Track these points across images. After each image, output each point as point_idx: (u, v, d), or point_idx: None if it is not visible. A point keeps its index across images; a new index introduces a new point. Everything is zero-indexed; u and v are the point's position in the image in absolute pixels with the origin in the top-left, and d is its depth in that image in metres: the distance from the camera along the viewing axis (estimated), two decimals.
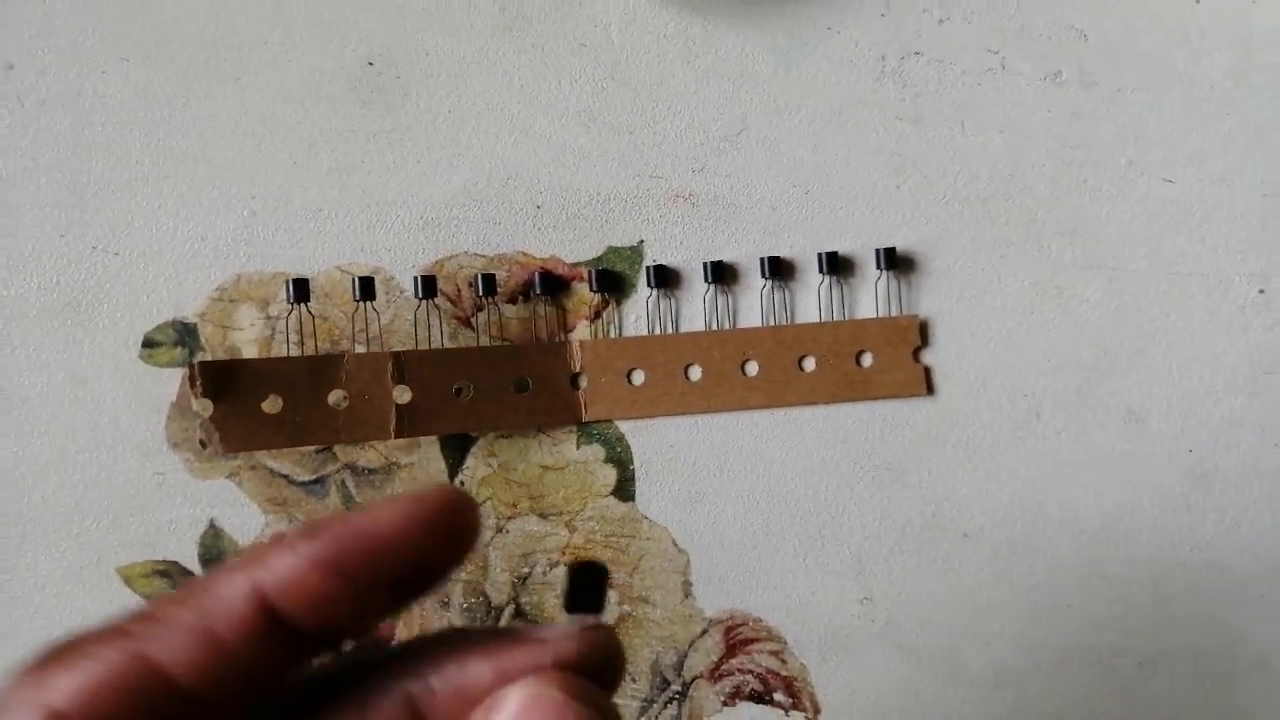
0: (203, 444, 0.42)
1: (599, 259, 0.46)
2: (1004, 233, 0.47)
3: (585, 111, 0.46)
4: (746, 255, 0.46)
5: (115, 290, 0.43)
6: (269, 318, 0.44)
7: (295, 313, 0.44)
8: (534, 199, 0.45)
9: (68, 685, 0.20)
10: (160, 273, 0.44)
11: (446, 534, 0.21)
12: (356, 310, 0.44)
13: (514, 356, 0.45)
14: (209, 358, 0.43)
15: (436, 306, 0.45)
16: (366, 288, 0.43)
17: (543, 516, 0.45)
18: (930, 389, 0.47)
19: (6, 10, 0.43)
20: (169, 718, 0.20)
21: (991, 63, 0.47)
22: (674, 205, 0.46)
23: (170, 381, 0.43)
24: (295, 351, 0.44)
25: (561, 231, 0.46)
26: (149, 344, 0.43)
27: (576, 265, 0.45)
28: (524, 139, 0.45)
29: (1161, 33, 0.48)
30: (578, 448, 0.45)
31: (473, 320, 0.45)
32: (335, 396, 0.43)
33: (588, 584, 0.22)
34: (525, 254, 0.45)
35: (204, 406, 0.42)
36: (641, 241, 0.46)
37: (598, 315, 0.46)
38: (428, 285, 0.44)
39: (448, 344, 0.45)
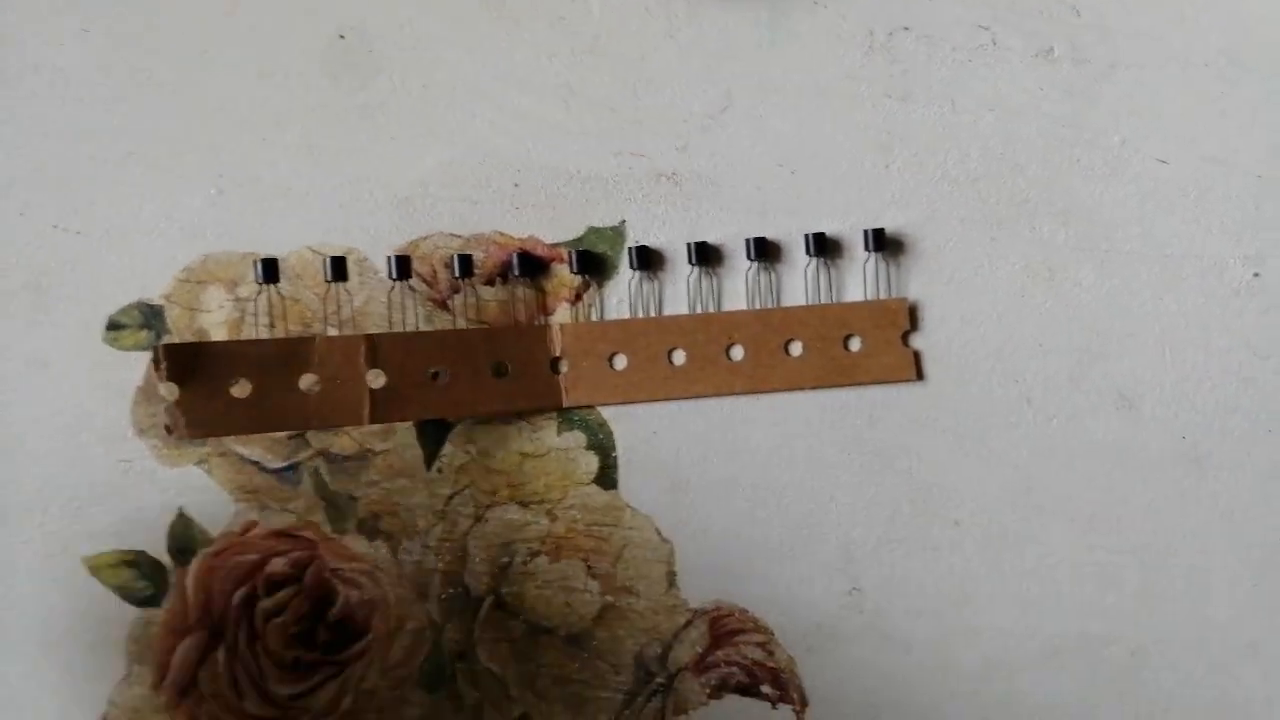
0: (168, 429, 0.41)
1: (579, 239, 0.44)
2: (995, 213, 0.46)
3: (564, 87, 0.45)
4: (731, 236, 0.45)
5: (78, 271, 0.42)
6: (238, 299, 0.42)
7: (265, 294, 0.42)
8: (512, 178, 0.44)
9: None
10: (125, 253, 0.42)
11: None
12: (328, 292, 0.43)
13: (492, 340, 0.43)
14: (175, 340, 0.42)
15: (412, 289, 0.43)
16: (338, 268, 0.42)
17: (523, 505, 0.44)
18: (920, 374, 0.46)
19: None
20: None
21: (982, 39, 0.46)
22: (657, 184, 0.45)
23: (136, 365, 0.42)
24: (265, 334, 0.42)
25: (540, 211, 0.44)
26: (113, 326, 0.42)
27: (556, 246, 0.44)
28: (501, 115, 0.44)
29: (1155, 9, 0.47)
30: (558, 434, 0.44)
31: (449, 303, 0.44)
32: (306, 381, 0.42)
33: None
34: (503, 234, 0.44)
35: (169, 390, 0.41)
36: (623, 221, 0.45)
37: (578, 298, 0.44)
38: (402, 266, 0.43)
39: (423, 327, 0.43)
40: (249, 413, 0.41)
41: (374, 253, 0.43)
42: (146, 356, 0.42)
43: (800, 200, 0.46)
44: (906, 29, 0.46)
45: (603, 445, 0.44)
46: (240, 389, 0.41)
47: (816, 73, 0.46)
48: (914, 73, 0.46)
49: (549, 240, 0.44)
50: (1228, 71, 0.47)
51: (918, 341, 0.46)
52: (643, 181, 0.45)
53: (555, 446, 0.44)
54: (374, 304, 0.43)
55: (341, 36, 0.44)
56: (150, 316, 0.42)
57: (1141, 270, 0.47)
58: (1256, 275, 0.47)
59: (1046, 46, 0.47)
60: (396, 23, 0.44)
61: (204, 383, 0.41)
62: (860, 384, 0.45)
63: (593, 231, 0.45)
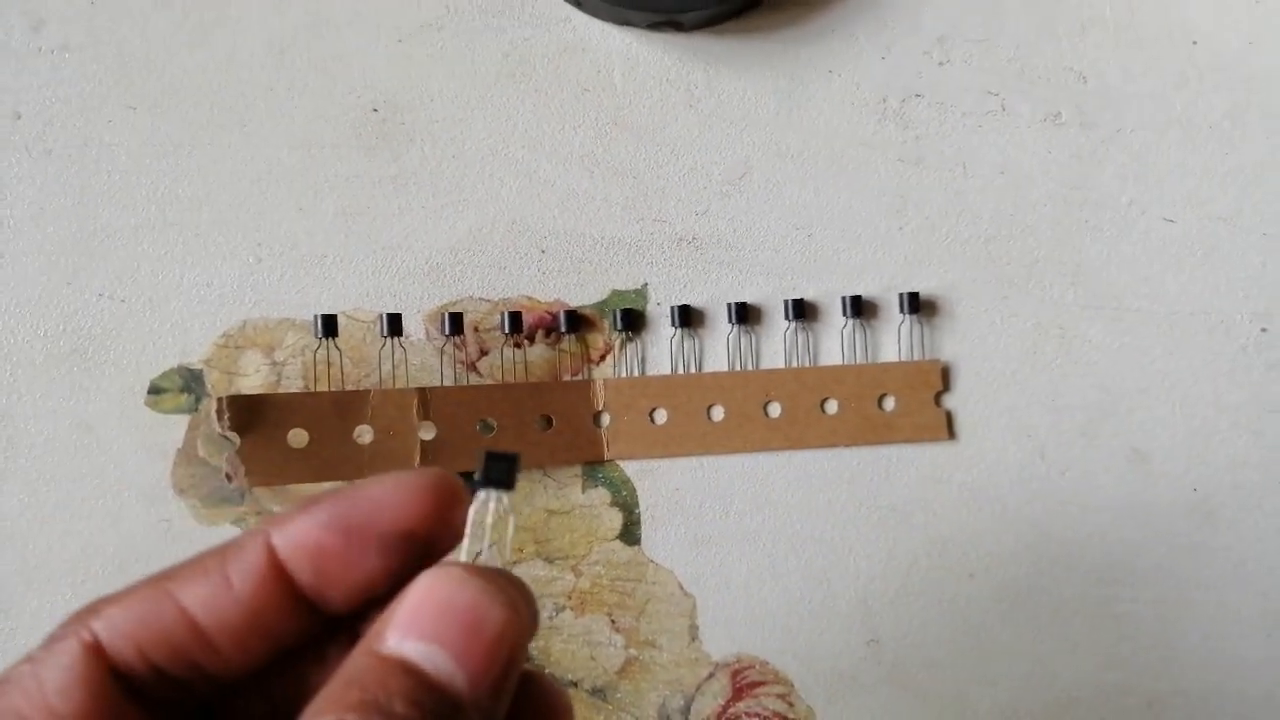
0: (229, 477, 0.42)
1: (604, 302, 0.46)
2: (1006, 274, 0.47)
3: (589, 156, 0.46)
4: (750, 298, 0.46)
5: (121, 337, 0.43)
6: (274, 363, 0.44)
7: (324, 348, 0.44)
8: (538, 243, 0.46)
9: (110, 616, 0.23)
10: (166, 319, 0.44)
11: (429, 502, 0.24)
12: (384, 346, 0.44)
13: (538, 394, 0.45)
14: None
15: (441, 352, 0.45)
16: (394, 324, 0.43)
17: (548, 561, 0.45)
18: (952, 433, 0.47)
19: (14, 60, 0.44)
20: (188, 655, 0.23)
21: (992, 104, 0.48)
22: (678, 248, 0.46)
23: (176, 428, 0.43)
24: None
25: (566, 276, 0.46)
26: (155, 390, 0.43)
27: (581, 309, 0.46)
28: (528, 184, 0.46)
29: (1159, 74, 0.48)
30: (583, 491, 0.45)
31: (478, 365, 0.45)
32: (360, 432, 0.43)
33: (500, 465, 0.24)
34: (530, 298, 0.45)
35: (231, 439, 0.42)
36: (645, 284, 0.46)
37: (604, 357, 0.46)
38: (454, 322, 0.44)
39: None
40: (306, 463, 0.42)
41: (406, 317, 0.44)
42: (186, 419, 0.43)
43: (816, 263, 0.47)
44: (918, 96, 0.48)
45: (626, 502, 0.45)
46: (297, 440, 0.43)
47: (831, 140, 0.47)
48: (926, 138, 0.47)
49: (574, 303, 0.46)
50: (1232, 133, 0.49)
51: (948, 402, 0.47)
52: (664, 246, 0.46)
53: (580, 503, 0.45)
54: (408, 367, 0.45)
55: (375, 110, 0.45)
56: (190, 380, 0.44)
57: (1151, 327, 0.48)
58: (1264, 331, 0.48)
59: (1054, 111, 0.48)
60: (428, 96, 0.45)
61: (263, 433, 0.42)
62: (894, 443, 0.46)
63: (616, 294, 0.46)
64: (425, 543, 0.24)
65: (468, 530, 0.24)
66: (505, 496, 0.24)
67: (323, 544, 0.23)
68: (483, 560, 0.24)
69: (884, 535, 0.46)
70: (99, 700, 0.22)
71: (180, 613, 0.23)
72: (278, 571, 0.23)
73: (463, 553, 0.24)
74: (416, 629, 0.22)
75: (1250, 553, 0.48)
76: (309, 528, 0.24)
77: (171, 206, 0.44)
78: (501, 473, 0.24)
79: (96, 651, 0.23)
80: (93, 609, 0.23)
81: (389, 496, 0.24)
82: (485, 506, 0.24)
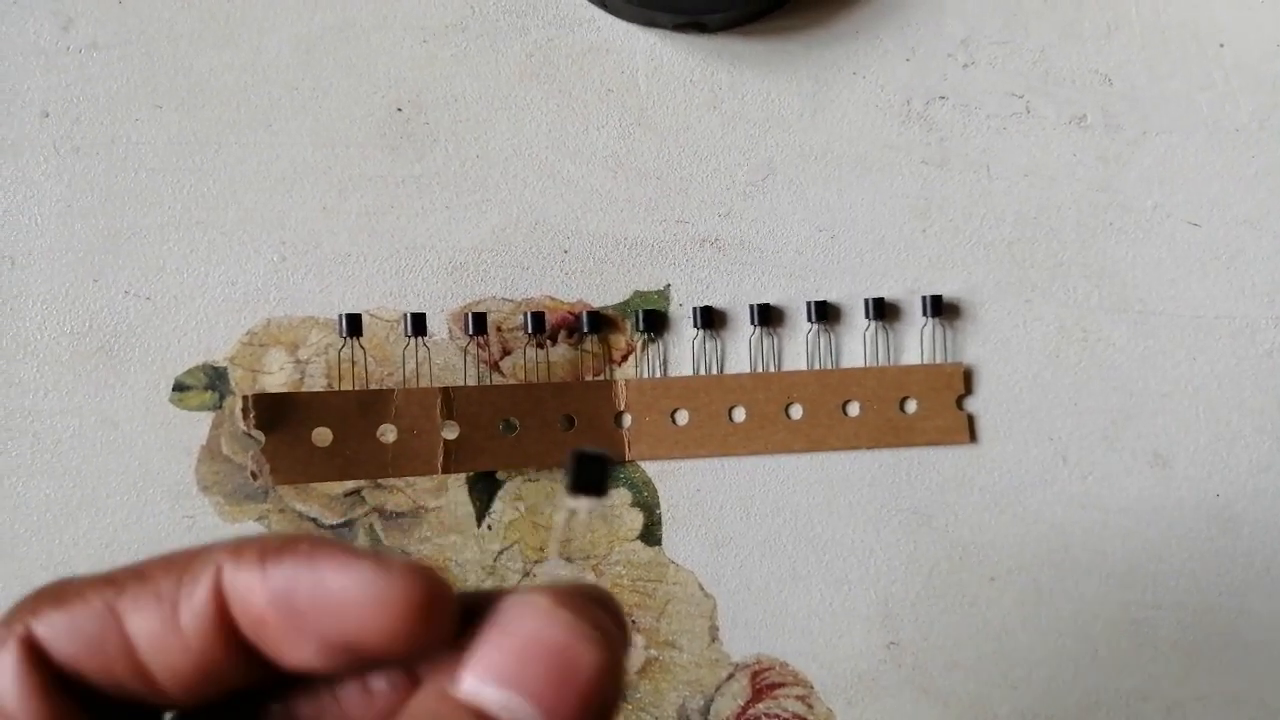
0: (253, 475, 0.43)
1: (626, 303, 0.46)
2: (1030, 276, 0.47)
3: (612, 156, 0.46)
4: (772, 299, 0.46)
5: (147, 334, 0.44)
6: (298, 361, 0.44)
7: (348, 346, 0.44)
8: (561, 243, 0.46)
9: (50, 617, 0.21)
10: (191, 317, 0.44)
11: (393, 620, 0.20)
12: (407, 346, 0.44)
13: (560, 394, 0.45)
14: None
15: (465, 351, 0.45)
16: (418, 324, 0.44)
17: (569, 560, 0.45)
18: (974, 436, 0.47)
19: (43, 59, 0.44)
20: (129, 688, 0.21)
21: (1016, 107, 0.48)
22: (700, 249, 0.46)
23: (200, 425, 0.44)
24: None
25: (589, 276, 0.46)
26: (179, 388, 0.44)
27: (604, 309, 0.46)
28: (551, 184, 0.46)
29: (1186, 76, 0.48)
30: None
31: (500, 365, 0.45)
32: (384, 431, 0.43)
33: (591, 467, 0.21)
34: (553, 298, 0.46)
35: (255, 437, 0.42)
36: (668, 285, 0.46)
37: (626, 357, 0.46)
38: (478, 322, 0.44)
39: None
40: (330, 461, 0.43)
41: (431, 316, 0.44)
42: (211, 416, 0.44)
43: (840, 265, 0.47)
44: (943, 98, 0.47)
45: (647, 502, 0.45)
46: (321, 438, 0.43)
47: (855, 141, 0.47)
48: (950, 141, 0.47)
49: (596, 304, 0.46)
50: (1258, 136, 0.48)
51: (970, 405, 0.47)
52: (687, 247, 0.46)
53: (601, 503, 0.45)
54: (430, 366, 0.45)
55: (399, 110, 0.45)
56: (215, 378, 0.44)
57: (1174, 331, 0.48)
58: None
59: (1079, 114, 0.48)
60: (451, 96, 0.46)
61: (288, 431, 0.42)
62: (916, 445, 0.46)
63: (638, 295, 0.46)
64: (375, 659, 0.21)
65: (552, 544, 0.21)
66: (596, 503, 0.21)
67: (264, 617, 0.20)
68: (565, 576, 0.20)
69: (905, 538, 0.46)
70: (43, 705, 0.21)
71: (124, 643, 0.21)
72: (225, 619, 0.21)
73: (548, 565, 0.21)
74: (496, 671, 0.19)
75: (1273, 558, 0.47)
76: (257, 589, 0.20)
77: (197, 205, 0.44)
78: (594, 476, 0.21)
79: (35, 652, 0.21)
80: (32, 608, 0.21)
81: (352, 596, 0.20)
82: (575, 516, 0.21)
